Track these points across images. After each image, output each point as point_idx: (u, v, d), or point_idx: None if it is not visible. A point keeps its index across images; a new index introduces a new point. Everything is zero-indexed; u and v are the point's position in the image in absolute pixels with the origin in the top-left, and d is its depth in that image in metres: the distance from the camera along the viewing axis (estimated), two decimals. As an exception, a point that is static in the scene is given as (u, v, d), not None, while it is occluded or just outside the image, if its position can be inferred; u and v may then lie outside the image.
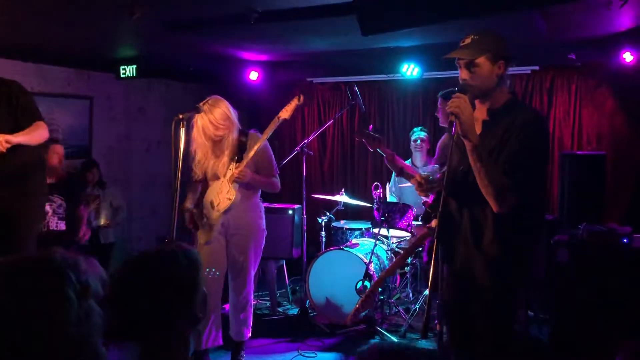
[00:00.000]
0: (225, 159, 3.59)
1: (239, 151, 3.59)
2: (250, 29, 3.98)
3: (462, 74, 2.49)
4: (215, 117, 3.48)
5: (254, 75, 6.07)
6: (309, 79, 7.10)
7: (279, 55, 5.59)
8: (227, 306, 4.03)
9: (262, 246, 3.87)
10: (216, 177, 3.65)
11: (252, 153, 3.52)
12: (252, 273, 3.85)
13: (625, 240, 4.12)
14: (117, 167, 6.28)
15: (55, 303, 1.05)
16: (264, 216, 3.88)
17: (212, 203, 3.64)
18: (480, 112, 2.50)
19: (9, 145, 3.12)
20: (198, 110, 3.33)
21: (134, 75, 5.57)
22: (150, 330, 1.36)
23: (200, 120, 3.50)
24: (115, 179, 6.14)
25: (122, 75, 5.59)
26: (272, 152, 3.80)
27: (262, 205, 3.92)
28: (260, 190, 3.87)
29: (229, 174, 3.58)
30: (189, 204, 3.74)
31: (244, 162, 3.52)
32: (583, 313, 4.08)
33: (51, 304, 1.05)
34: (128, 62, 5.55)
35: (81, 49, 3.76)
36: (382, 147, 3.41)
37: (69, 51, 3.79)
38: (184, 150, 3.19)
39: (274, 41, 4.82)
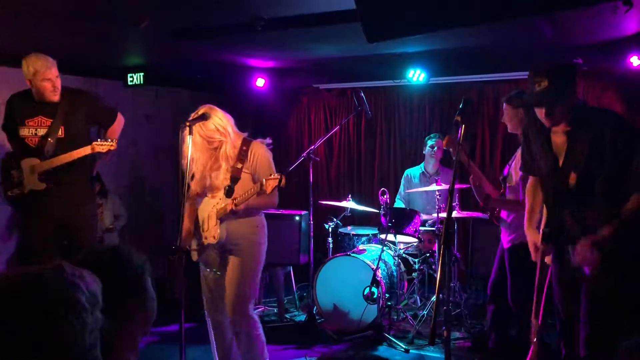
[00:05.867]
0: (222, 171, 3.32)
1: (239, 161, 3.30)
2: (257, 36, 4.00)
3: None
4: (205, 130, 3.21)
5: (260, 82, 6.09)
6: (315, 85, 7.11)
7: (286, 62, 5.61)
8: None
9: (259, 264, 3.44)
10: (213, 190, 3.40)
11: (243, 197, 3.20)
12: (248, 294, 3.37)
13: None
14: (124, 174, 6.31)
15: (73, 312, 1.06)
16: (264, 231, 3.46)
17: (202, 226, 3.42)
18: None
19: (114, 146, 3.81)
20: (205, 118, 3.23)
21: (142, 83, 5.62)
22: None
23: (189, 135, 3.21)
24: (123, 185, 6.17)
25: (129, 83, 5.64)
26: (272, 162, 3.39)
27: (263, 218, 3.51)
28: None
29: (217, 205, 3.32)
30: (187, 222, 3.42)
31: (235, 198, 3.23)
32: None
33: (69, 313, 1.05)
34: (135, 70, 5.60)
35: (89, 57, 3.81)
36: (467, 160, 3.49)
37: (77, 59, 3.84)
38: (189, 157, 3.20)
39: (280, 48, 4.85)
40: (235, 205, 3.21)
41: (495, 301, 3.97)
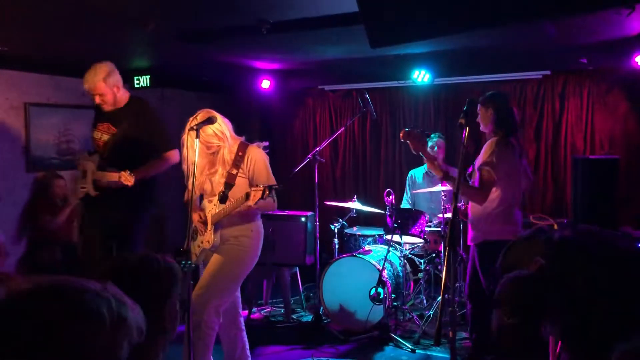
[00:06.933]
0: (218, 176, 3.35)
1: (234, 166, 3.32)
2: (262, 39, 4.02)
3: None
4: (204, 135, 3.21)
5: (266, 84, 6.12)
6: (320, 87, 7.14)
7: (291, 64, 5.63)
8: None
9: (244, 270, 3.43)
10: (210, 194, 3.43)
11: (230, 206, 3.25)
12: (216, 295, 3.30)
13: (640, 245, 4.09)
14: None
15: (87, 320, 1.07)
16: (258, 238, 3.46)
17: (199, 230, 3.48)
18: None
19: (130, 183, 3.55)
20: (212, 121, 3.22)
21: (148, 85, 5.64)
22: None
23: (190, 140, 3.24)
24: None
25: (136, 86, 5.66)
26: (268, 165, 3.41)
27: (260, 224, 3.51)
28: None
29: (212, 211, 3.35)
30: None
31: (229, 204, 3.26)
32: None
33: (84, 321, 1.07)
34: (142, 72, 5.62)
35: (96, 60, 3.85)
36: (425, 151, 3.49)
37: (84, 62, 3.88)
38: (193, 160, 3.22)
39: (285, 50, 4.87)
40: (225, 214, 3.26)
41: (471, 300, 3.98)
